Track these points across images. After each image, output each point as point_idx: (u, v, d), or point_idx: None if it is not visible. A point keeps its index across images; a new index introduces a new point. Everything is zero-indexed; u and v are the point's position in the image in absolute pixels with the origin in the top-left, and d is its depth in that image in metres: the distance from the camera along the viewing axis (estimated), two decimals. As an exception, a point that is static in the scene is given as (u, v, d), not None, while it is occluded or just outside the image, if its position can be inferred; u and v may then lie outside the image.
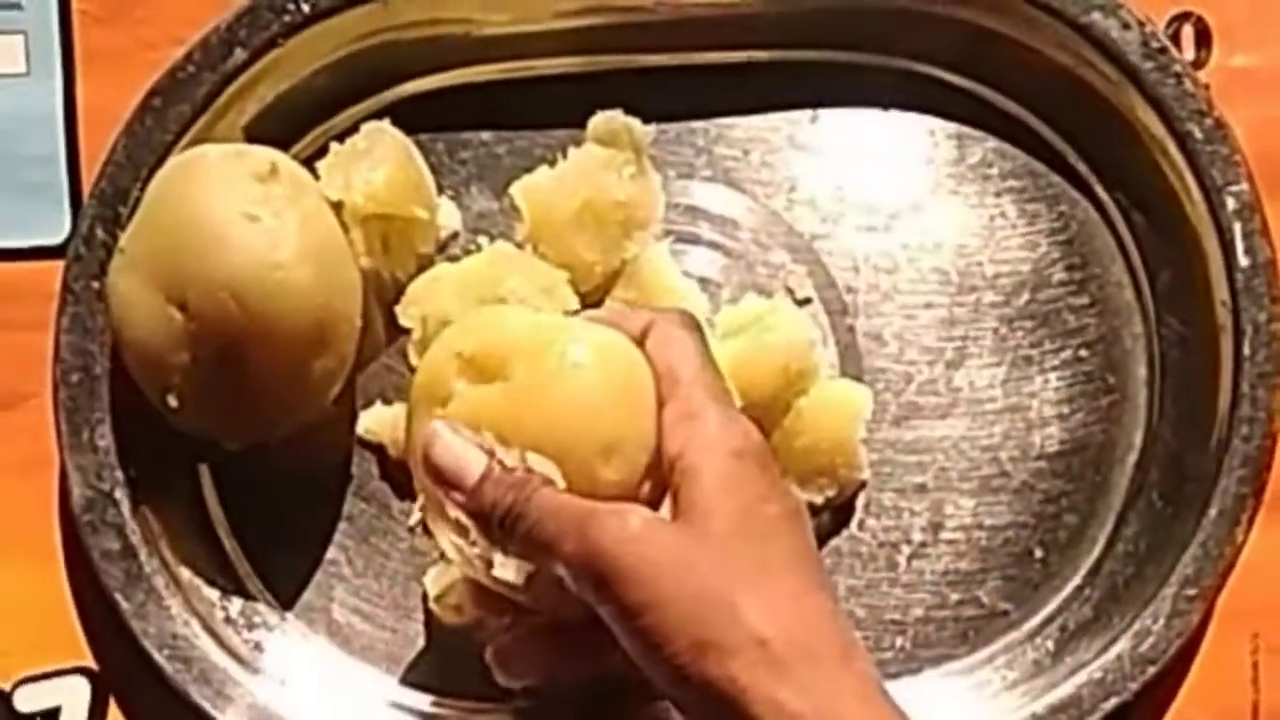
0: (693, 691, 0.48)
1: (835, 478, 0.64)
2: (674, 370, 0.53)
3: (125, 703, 0.64)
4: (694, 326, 0.55)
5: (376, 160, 0.62)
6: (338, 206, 0.62)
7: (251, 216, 0.58)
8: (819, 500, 0.64)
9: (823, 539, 0.65)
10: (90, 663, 0.64)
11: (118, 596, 0.62)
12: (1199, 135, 0.65)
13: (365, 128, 0.63)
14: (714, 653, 0.48)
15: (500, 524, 0.51)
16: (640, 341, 0.55)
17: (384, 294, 0.65)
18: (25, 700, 0.64)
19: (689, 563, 0.49)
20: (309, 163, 0.63)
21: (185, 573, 0.63)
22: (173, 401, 0.60)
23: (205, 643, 0.62)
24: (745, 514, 0.50)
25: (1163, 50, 0.65)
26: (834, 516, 0.66)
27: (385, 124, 0.64)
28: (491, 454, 0.52)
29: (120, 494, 0.62)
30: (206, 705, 0.61)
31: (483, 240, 0.65)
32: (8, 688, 0.64)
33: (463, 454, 0.52)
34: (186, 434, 0.62)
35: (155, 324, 0.59)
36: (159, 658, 0.61)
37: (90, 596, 0.63)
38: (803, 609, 0.49)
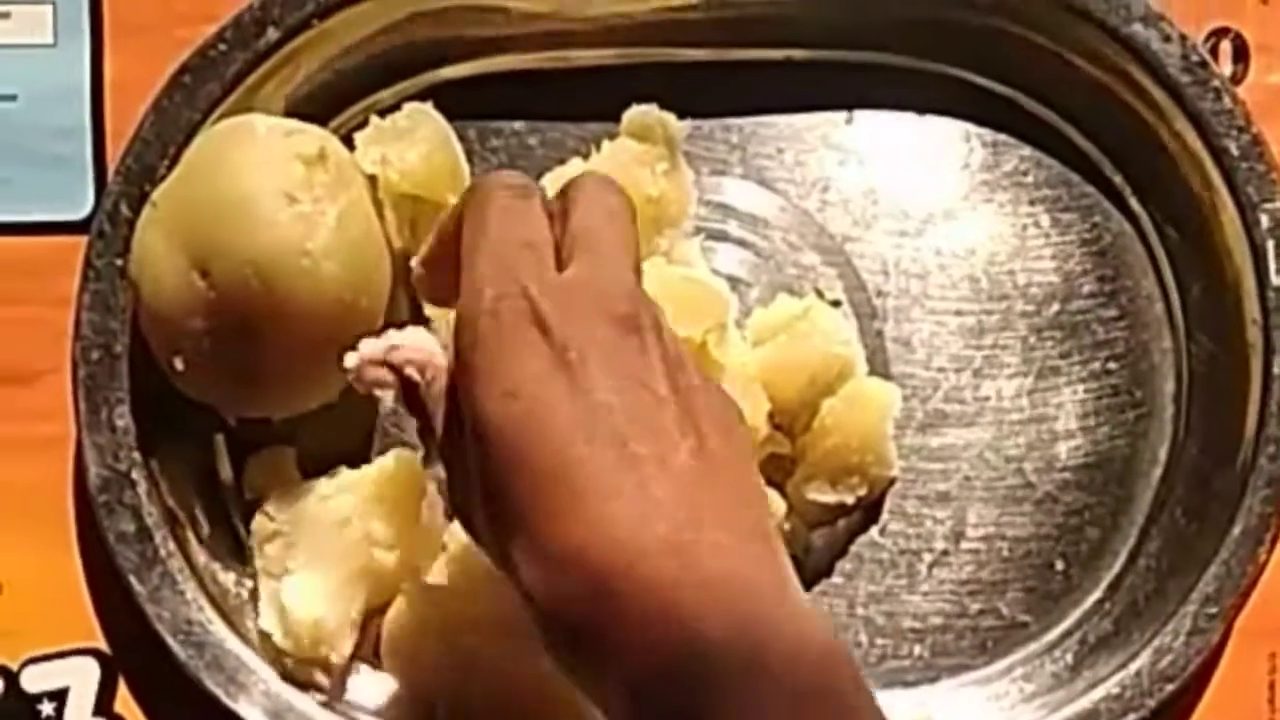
0: None
1: (866, 476, 0.63)
2: None
3: (135, 686, 0.63)
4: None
5: (416, 140, 0.61)
6: (371, 180, 0.61)
7: (290, 198, 0.57)
8: (850, 500, 0.63)
9: (846, 543, 0.65)
10: (100, 644, 0.63)
11: (132, 579, 0.60)
12: (1235, 151, 0.64)
13: (408, 107, 0.62)
14: None
15: None
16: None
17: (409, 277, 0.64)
18: (33, 680, 0.63)
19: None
20: (346, 139, 0.62)
21: (201, 558, 0.62)
22: (179, 364, 0.59)
23: (219, 629, 0.61)
24: None
25: (1202, 64, 0.64)
26: (863, 516, 0.65)
27: (428, 106, 0.62)
28: None
29: (138, 475, 0.61)
30: (219, 692, 0.60)
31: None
32: (15, 667, 0.63)
33: None
34: (201, 411, 0.61)
35: (175, 285, 0.58)
36: (172, 642, 0.60)
37: (103, 577, 0.62)
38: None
